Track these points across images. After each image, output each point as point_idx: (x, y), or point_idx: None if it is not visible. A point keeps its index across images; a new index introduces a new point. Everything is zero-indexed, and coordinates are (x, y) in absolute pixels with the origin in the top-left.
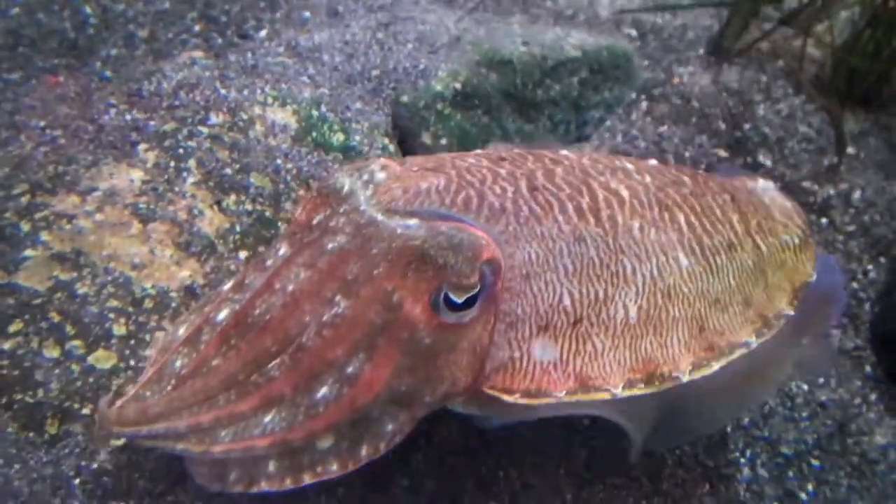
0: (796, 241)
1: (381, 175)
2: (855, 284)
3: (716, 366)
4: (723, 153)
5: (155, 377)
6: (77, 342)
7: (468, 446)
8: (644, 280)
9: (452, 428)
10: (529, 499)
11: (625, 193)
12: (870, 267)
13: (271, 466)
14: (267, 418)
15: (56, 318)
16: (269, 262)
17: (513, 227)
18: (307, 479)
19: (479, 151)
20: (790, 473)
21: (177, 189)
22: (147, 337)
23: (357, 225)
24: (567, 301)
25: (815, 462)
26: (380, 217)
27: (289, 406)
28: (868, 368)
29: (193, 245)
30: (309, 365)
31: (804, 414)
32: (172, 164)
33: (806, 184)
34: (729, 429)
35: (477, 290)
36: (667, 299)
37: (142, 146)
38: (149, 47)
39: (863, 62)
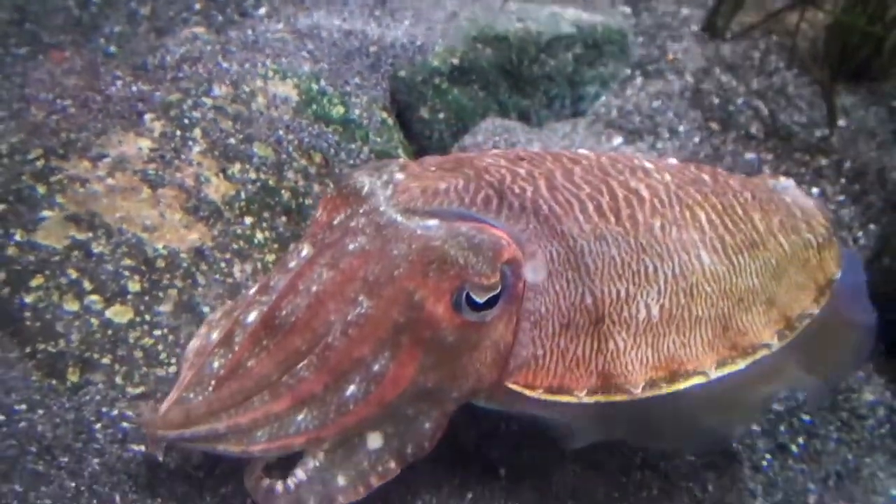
0: (819, 239)
1: (399, 175)
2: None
3: (741, 364)
4: (716, 127)
5: (195, 380)
6: (95, 297)
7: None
8: (666, 279)
9: None
10: (529, 450)
11: (645, 192)
12: (860, 234)
13: (341, 480)
14: (300, 417)
15: (74, 274)
16: (292, 264)
17: (533, 226)
18: (375, 484)
19: (496, 151)
20: (782, 428)
21: (183, 157)
22: (160, 294)
23: (377, 225)
24: (589, 300)
25: (805, 417)
26: (399, 218)
27: (320, 405)
28: None
29: (201, 210)
30: (336, 364)
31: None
32: (178, 133)
33: (798, 155)
34: None
35: (498, 290)
36: (689, 298)
37: (148, 116)
38: (151, 24)
39: (854, 36)
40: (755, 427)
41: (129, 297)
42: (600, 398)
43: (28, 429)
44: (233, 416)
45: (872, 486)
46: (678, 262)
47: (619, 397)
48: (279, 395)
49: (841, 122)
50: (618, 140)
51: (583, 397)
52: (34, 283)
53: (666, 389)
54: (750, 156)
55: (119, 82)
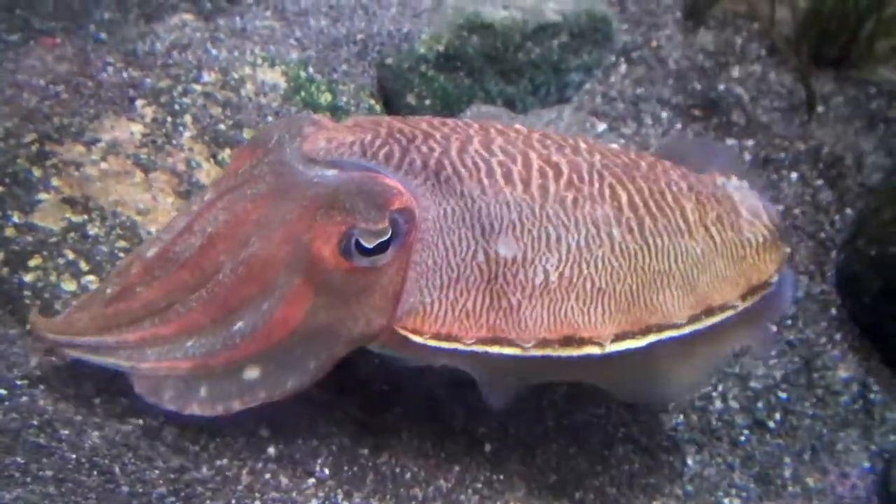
0: (760, 239)
1: (310, 129)
2: (822, 234)
3: (642, 341)
4: (698, 113)
5: (87, 300)
6: (91, 277)
7: (456, 379)
8: (569, 248)
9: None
10: (514, 425)
11: (564, 167)
12: (836, 217)
13: (203, 392)
14: (189, 343)
15: (71, 255)
16: (194, 207)
17: (431, 183)
18: (236, 408)
19: (429, 117)
20: (759, 405)
21: (174, 142)
22: None
23: (277, 173)
24: (481, 257)
25: (782, 394)
26: (300, 167)
27: (208, 335)
28: (833, 311)
29: (193, 194)
30: (224, 300)
31: (772, 352)
32: (169, 119)
33: (777, 141)
34: None
35: (388, 236)
36: (593, 270)
37: (139, 101)
38: (140, 11)
39: (831, 23)
40: (733, 404)
41: None
42: (489, 349)
43: (29, 403)
44: (122, 333)
45: (846, 460)
46: (585, 234)
47: (508, 350)
48: (168, 320)
49: (819, 109)
50: (602, 126)
51: (471, 346)
52: (32, 263)
53: (557, 352)
54: (731, 142)
55: (110, 68)
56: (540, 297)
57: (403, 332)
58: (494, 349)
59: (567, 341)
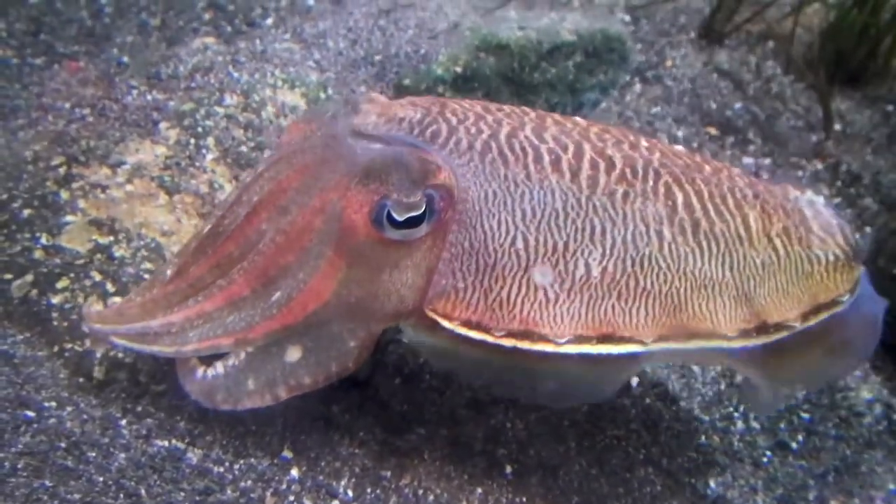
0: (831, 257)
1: (366, 106)
2: None
3: (688, 345)
4: (714, 132)
5: (146, 285)
6: (117, 299)
7: (477, 400)
8: (614, 243)
9: (462, 385)
10: (536, 447)
11: (619, 161)
12: (857, 236)
13: (251, 384)
14: (229, 318)
15: (98, 276)
16: (247, 179)
17: (475, 165)
18: (283, 395)
19: (490, 102)
20: (781, 425)
21: (198, 164)
22: None
23: (327, 145)
24: (520, 244)
25: (805, 415)
26: (349, 139)
27: (248, 307)
28: None
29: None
30: (264, 269)
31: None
32: (192, 141)
33: (794, 159)
34: (723, 386)
35: (421, 210)
36: (638, 268)
37: (163, 124)
38: (161, 34)
39: (849, 42)
40: (755, 425)
41: None
42: (519, 343)
43: (57, 425)
44: (166, 315)
45: (871, 482)
46: (633, 230)
47: (540, 346)
48: (211, 295)
49: (837, 127)
50: None
51: (500, 339)
52: (60, 284)
53: (594, 349)
54: (747, 160)
55: (134, 91)
56: (580, 291)
57: (434, 315)
58: (525, 344)
59: (605, 339)
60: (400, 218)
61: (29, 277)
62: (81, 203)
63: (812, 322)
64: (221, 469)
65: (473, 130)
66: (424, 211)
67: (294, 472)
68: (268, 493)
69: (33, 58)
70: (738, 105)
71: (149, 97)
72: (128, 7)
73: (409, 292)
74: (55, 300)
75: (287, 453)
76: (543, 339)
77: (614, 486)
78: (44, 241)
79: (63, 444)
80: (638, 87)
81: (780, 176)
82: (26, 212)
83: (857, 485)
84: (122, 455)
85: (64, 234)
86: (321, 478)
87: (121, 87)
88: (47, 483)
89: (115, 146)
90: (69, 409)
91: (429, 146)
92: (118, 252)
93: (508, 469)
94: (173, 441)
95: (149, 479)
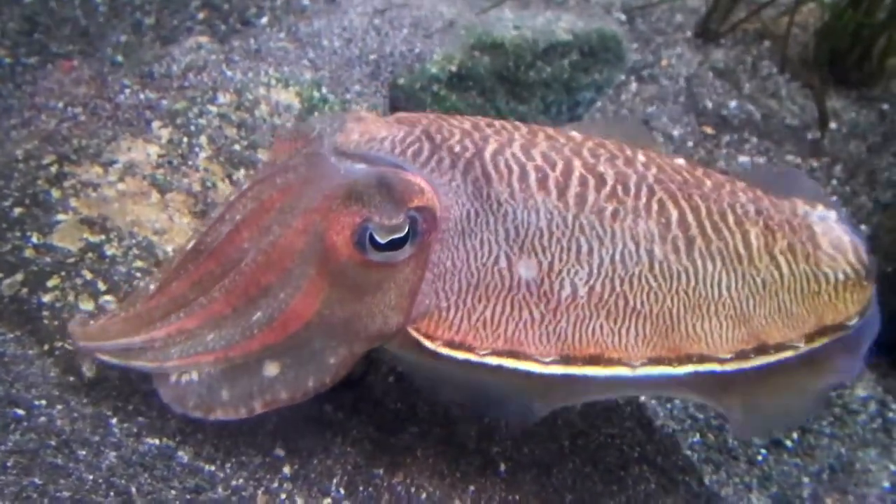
0: (841, 276)
1: (351, 124)
2: None
3: (679, 369)
4: (709, 130)
5: (130, 299)
6: (109, 297)
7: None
8: (602, 262)
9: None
10: (529, 445)
11: (610, 177)
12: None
13: (225, 395)
14: (210, 336)
15: (89, 275)
16: (231, 197)
17: (456, 184)
18: (258, 408)
19: (478, 118)
20: None
21: (190, 163)
22: None
23: (310, 164)
24: (503, 263)
25: None
26: (332, 159)
27: (229, 326)
28: None
29: (208, 213)
30: (245, 288)
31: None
32: (185, 140)
33: (789, 158)
34: None
35: (403, 233)
36: (627, 287)
37: (156, 123)
38: (155, 34)
39: (844, 41)
40: None
41: None
42: (504, 361)
43: (47, 423)
44: (151, 331)
45: (865, 479)
46: (622, 249)
47: (525, 365)
48: (192, 313)
49: (832, 125)
50: None
51: (484, 357)
52: (51, 283)
53: (580, 371)
54: (743, 159)
55: (127, 90)
56: (566, 311)
57: (416, 336)
58: (509, 363)
59: (592, 360)
60: (382, 240)
61: (19, 276)
62: (73, 202)
63: (817, 344)
64: (212, 467)
65: (458, 148)
66: (407, 233)
67: (286, 470)
68: (259, 492)
69: (27, 57)
70: (733, 104)
71: (141, 96)
72: (122, 6)
73: (392, 313)
74: (46, 299)
75: (279, 451)
76: (529, 358)
77: (608, 484)
78: (35, 239)
79: (53, 442)
80: (634, 85)
81: (789, 174)
82: (17, 210)
83: (851, 482)
84: (113, 453)
85: (55, 232)
86: (313, 476)
87: (113, 86)
88: (37, 481)
89: (108, 145)
90: (59, 407)
91: (410, 165)
92: (110, 251)
93: (502, 467)
94: (164, 439)
95: (139, 477)
